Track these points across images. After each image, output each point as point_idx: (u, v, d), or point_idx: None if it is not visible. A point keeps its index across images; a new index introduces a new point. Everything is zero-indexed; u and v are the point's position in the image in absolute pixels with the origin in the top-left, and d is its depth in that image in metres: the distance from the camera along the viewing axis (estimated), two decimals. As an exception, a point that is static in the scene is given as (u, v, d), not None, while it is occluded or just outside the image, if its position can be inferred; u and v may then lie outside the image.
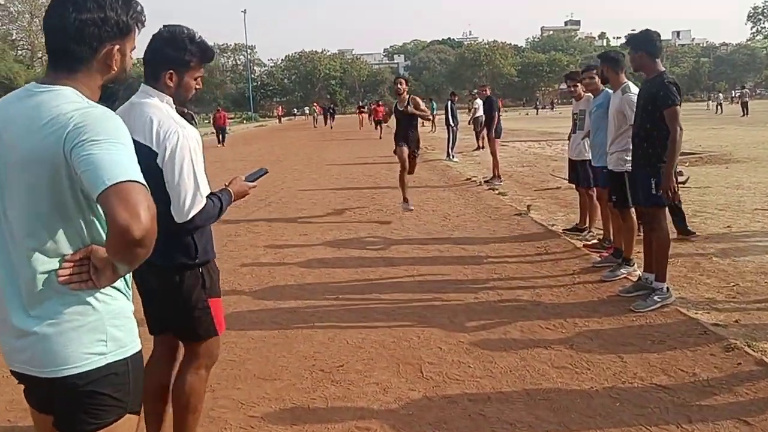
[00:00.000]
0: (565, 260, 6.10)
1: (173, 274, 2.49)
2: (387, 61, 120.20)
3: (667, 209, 4.82)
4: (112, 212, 1.41)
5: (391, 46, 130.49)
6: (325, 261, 6.46)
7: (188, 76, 2.49)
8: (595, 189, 6.57)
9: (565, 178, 9.00)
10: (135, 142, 1.62)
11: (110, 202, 1.41)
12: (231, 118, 56.86)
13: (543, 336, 4.19)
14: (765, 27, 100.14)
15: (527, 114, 54.95)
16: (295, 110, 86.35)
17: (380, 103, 39.41)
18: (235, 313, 4.77)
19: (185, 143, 2.35)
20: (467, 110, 23.80)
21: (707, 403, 3.19)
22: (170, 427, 2.67)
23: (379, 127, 28.59)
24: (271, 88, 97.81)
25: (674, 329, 4.17)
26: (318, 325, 4.57)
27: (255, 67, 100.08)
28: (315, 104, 58.89)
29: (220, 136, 28.86)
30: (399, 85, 8.71)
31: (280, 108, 74.89)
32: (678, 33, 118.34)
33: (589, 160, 6.40)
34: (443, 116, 18.02)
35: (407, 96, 8.58)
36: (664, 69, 4.62)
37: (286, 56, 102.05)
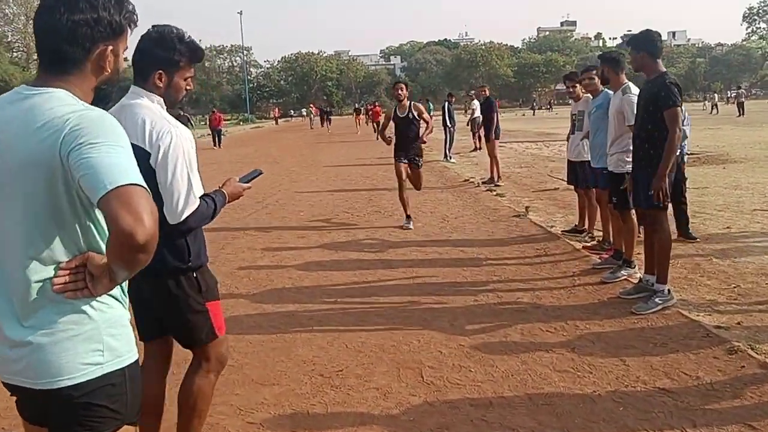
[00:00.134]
0: (565, 262, 6.07)
1: (166, 278, 2.45)
2: (383, 63, 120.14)
3: (670, 211, 4.79)
4: (114, 217, 1.38)
5: (387, 47, 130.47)
6: (323, 264, 6.41)
7: (178, 77, 2.46)
8: (594, 190, 6.53)
9: (563, 179, 8.97)
10: None
11: (112, 207, 1.38)
12: (227, 120, 56.80)
13: (544, 339, 4.15)
14: (760, 27, 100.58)
15: (524, 115, 54.96)
16: (292, 112, 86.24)
17: (377, 103, 39.36)
18: (232, 317, 4.72)
19: (178, 143, 2.32)
20: (464, 111, 23.76)
21: (711, 407, 3.15)
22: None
23: (376, 126, 28.50)
24: (267, 89, 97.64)
25: (676, 332, 4.13)
26: (317, 328, 4.53)
27: (251, 69, 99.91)
28: (312, 105, 58.78)
29: (216, 138, 28.75)
30: (399, 91, 8.12)
31: (276, 109, 74.75)
32: (674, 33, 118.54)
33: (588, 161, 6.37)
34: (440, 117, 17.98)
35: (408, 102, 8.13)
36: (665, 70, 4.59)
37: (282, 58, 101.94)
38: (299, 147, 26.78)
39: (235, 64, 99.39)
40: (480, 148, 17.93)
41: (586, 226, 7.00)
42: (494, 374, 3.65)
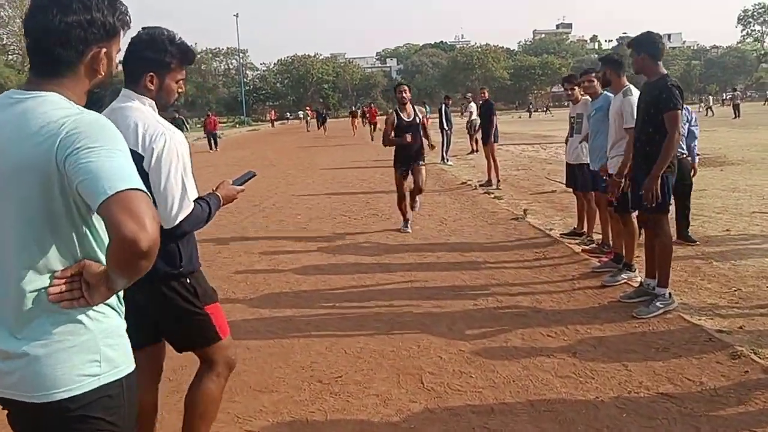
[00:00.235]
0: (564, 265, 6.03)
1: (158, 284, 2.39)
2: (380, 65, 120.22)
3: (672, 213, 4.76)
4: (116, 223, 1.34)
5: (383, 50, 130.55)
6: (320, 267, 6.36)
7: (169, 79, 2.42)
8: (593, 193, 6.50)
9: (561, 182, 8.94)
10: None
11: (114, 212, 1.34)
12: (223, 123, 56.69)
13: (545, 344, 4.11)
14: (755, 29, 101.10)
15: (520, 117, 55.00)
16: (288, 114, 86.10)
17: (372, 105, 39.30)
18: (229, 322, 4.60)
19: (172, 146, 2.28)
20: (460, 113, 23.75)
21: (716, 414, 3.11)
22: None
23: (372, 128, 28.45)
24: (263, 92, 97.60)
25: (678, 336, 4.10)
26: (315, 334, 4.47)
27: (247, 72, 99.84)
28: (308, 108, 58.72)
29: (212, 141, 28.65)
30: (404, 94, 7.62)
31: (272, 112, 74.72)
32: (669, 36, 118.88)
33: (587, 164, 6.34)
34: (437, 120, 17.95)
35: (412, 106, 7.68)
36: (666, 72, 4.57)
37: (278, 60, 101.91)
38: (295, 149, 26.73)
39: (231, 66, 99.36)
40: (477, 151, 17.91)
41: (585, 229, 6.96)
42: (495, 380, 3.60)
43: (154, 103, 2.40)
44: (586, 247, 6.56)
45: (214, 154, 25.53)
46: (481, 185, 11.89)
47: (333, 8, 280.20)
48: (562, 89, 7.48)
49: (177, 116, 23.62)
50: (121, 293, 1.64)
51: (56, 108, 1.47)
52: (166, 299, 2.42)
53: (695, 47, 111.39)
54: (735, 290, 4.97)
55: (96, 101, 1.64)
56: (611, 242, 6.05)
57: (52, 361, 1.48)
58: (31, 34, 1.52)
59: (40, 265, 1.47)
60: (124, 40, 1.67)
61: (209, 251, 6.98)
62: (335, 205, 10.57)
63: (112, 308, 1.60)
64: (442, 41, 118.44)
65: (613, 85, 5.29)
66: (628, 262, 5.32)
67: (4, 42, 58.65)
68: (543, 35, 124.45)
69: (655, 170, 4.37)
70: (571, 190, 7.42)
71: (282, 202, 11.12)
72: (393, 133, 7.63)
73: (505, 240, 7.27)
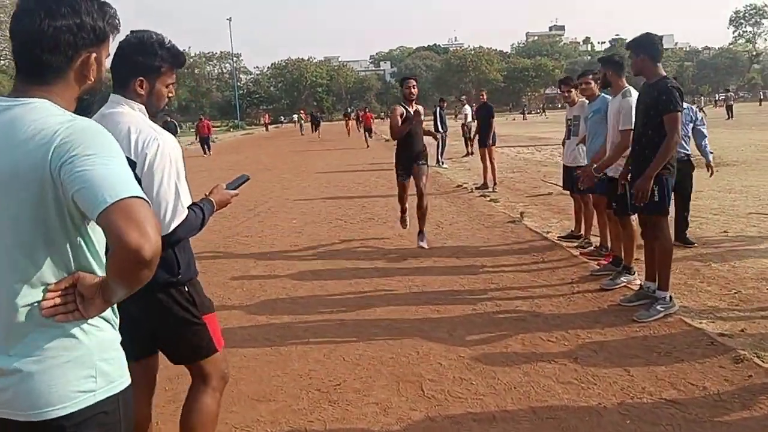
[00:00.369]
0: (563, 269, 5.99)
1: (157, 293, 2.33)
2: (373, 68, 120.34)
3: (672, 216, 4.73)
4: (118, 232, 1.29)
5: (377, 53, 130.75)
6: (317, 273, 6.30)
7: (159, 83, 2.36)
8: (590, 195, 6.46)
9: (557, 184, 8.91)
10: None
11: (115, 221, 1.30)
12: (217, 127, 56.54)
13: (545, 349, 4.06)
14: (747, 31, 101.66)
15: (514, 119, 55.06)
16: (282, 118, 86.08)
17: (366, 109, 39.22)
18: (225, 330, 4.54)
19: (165, 151, 2.23)
20: (454, 116, 23.75)
21: (720, 419, 3.07)
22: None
23: (368, 134, 28.31)
24: (257, 95, 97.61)
25: (680, 340, 4.06)
26: (312, 341, 4.41)
27: (241, 75, 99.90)
28: (302, 111, 58.67)
29: (205, 146, 28.47)
30: (413, 89, 6.95)
31: (266, 116, 74.54)
32: (661, 37, 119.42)
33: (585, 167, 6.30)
34: (431, 122, 17.94)
35: (415, 105, 7.03)
36: (665, 74, 4.54)
37: (272, 64, 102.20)
38: (290, 153, 26.65)
39: (224, 70, 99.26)
40: (472, 153, 17.89)
41: (583, 232, 6.93)
42: (496, 387, 3.55)
43: (144, 108, 2.35)
44: (584, 250, 6.52)
45: (207, 159, 25.41)
46: (477, 188, 11.86)
47: (327, 12, 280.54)
48: (557, 91, 7.44)
49: (169, 119, 23.48)
50: (116, 306, 1.59)
51: (48, 115, 1.41)
52: (164, 308, 2.37)
53: (687, 48, 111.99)
54: (735, 292, 4.94)
55: (85, 108, 1.58)
56: (610, 245, 6.01)
57: (46, 378, 1.43)
58: (18, 38, 1.47)
59: (32, 278, 1.42)
60: (112, 45, 1.62)
61: (204, 257, 6.91)
62: (331, 209, 10.51)
63: (107, 321, 1.55)
64: (435, 44, 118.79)
65: (613, 86, 5.26)
66: (627, 265, 5.29)
67: (-3, 47, 58.41)
68: (536, 37, 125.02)
69: (649, 170, 4.35)
70: (568, 192, 7.39)
71: (277, 207, 11.05)
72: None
73: (502, 243, 7.22)
